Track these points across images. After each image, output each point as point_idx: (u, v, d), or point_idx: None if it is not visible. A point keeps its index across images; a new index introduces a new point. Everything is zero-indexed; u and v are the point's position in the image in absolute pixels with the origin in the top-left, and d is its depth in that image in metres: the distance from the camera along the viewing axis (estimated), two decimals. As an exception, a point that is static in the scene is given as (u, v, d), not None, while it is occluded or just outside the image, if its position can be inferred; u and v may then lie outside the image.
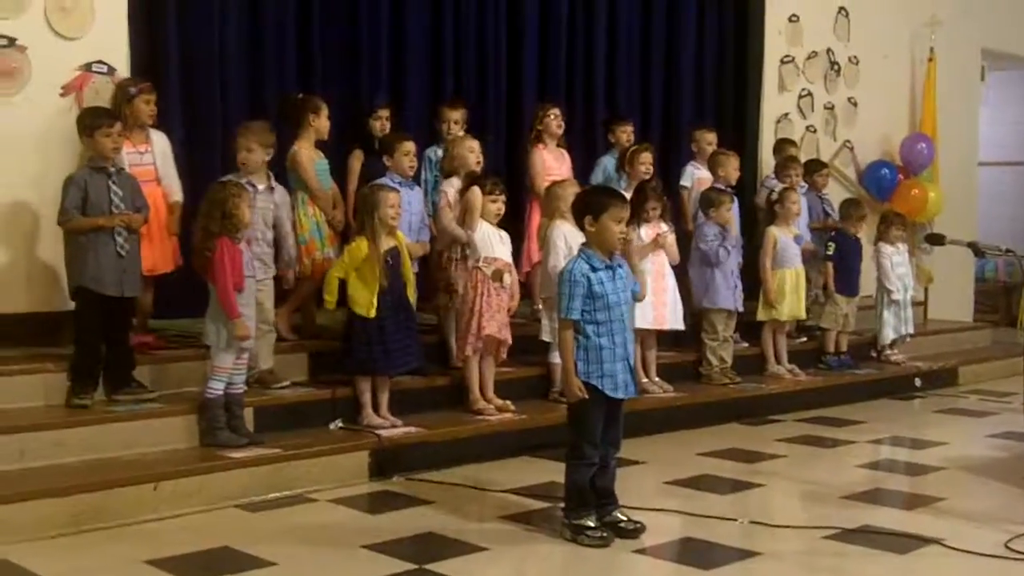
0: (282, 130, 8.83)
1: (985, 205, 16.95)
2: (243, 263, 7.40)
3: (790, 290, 10.83)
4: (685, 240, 10.30)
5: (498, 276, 8.49)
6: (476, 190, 8.50)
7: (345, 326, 8.08)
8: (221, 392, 7.35)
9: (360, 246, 7.89)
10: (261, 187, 8.14)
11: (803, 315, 11.20)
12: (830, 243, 11.55)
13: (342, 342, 8.13)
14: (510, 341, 8.63)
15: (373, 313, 7.84)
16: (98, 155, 7.53)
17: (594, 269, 6.30)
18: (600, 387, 6.29)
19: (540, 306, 9.19)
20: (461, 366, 8.71)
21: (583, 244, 6.50)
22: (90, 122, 7.58)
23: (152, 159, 8.19)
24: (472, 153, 9.01)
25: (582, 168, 10.71)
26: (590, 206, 6.43)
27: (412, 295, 8.17)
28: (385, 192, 8.02)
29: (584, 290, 6.26)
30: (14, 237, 8.18)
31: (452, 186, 8.92)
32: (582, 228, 6.51)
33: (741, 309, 10.53)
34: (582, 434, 6.36)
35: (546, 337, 8.92)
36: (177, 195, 8.36)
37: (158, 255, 8.13)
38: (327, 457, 7.50)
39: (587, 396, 6.27)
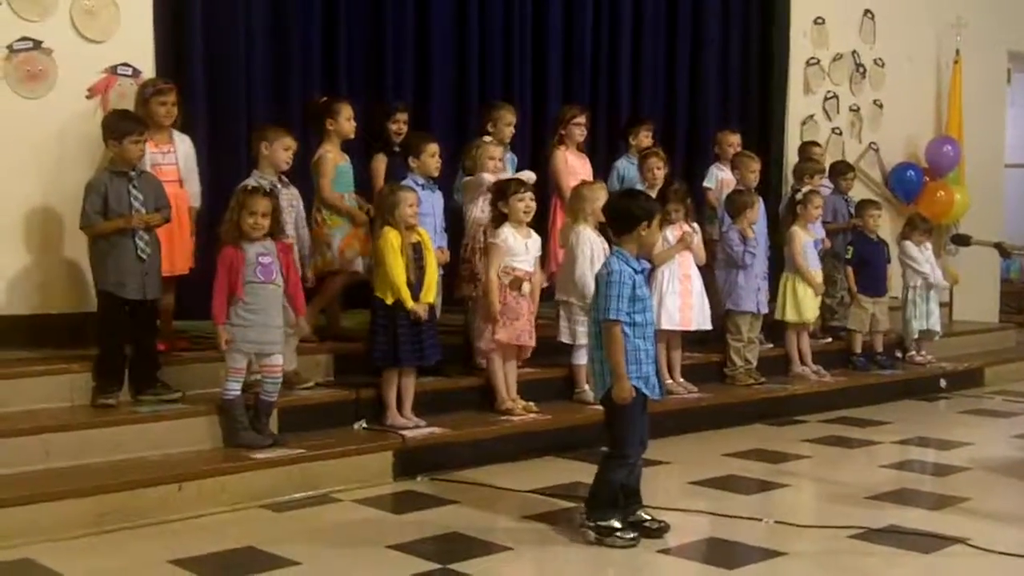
0: (308, 134, 8.85)
1: (1011, 207, 16.89)
2: (243, 270, 7.28)
3: (804, 292, 10.78)
4: (709, 241, 10.29)
5: (516, 285, 8.44)
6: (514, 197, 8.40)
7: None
8: (239, 392, 7.34)
9: (390, 236, 7.85)
10: (281, 187, 8.16)
11: (814, 316, 11.13)
12: (849, 246, 11.54)
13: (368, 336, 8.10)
14: (532, 345, 8.61)
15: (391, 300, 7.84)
16: (122, 160, 7.50)
17: (634, 272, 6.27)
18: (640, 387, 6.26)
19: (559, 308, 9.13)
20: (483, 367, 8.72)
21: (616, 247, 6.43)
22: (118, 127, 7.52)
23: (175, 160, 8.12)
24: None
25: (604, 171, 10.69)
26: (646, 212, 6.34)
27: (432, 294, 8.05)
28: (404, 191, 7.99)
29: (630, 291, 6.22)
30: (40, 239, 8.22)
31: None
32: (621, 233, 6.38)
33: (765, 311, 10.52)
34: (626, 435, 6.33)
35: (565, 339, 8.91)
36: (194, 201, 8.30)
37: (177, 256, 8.07)
38: (351, 457, 7.51)
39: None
